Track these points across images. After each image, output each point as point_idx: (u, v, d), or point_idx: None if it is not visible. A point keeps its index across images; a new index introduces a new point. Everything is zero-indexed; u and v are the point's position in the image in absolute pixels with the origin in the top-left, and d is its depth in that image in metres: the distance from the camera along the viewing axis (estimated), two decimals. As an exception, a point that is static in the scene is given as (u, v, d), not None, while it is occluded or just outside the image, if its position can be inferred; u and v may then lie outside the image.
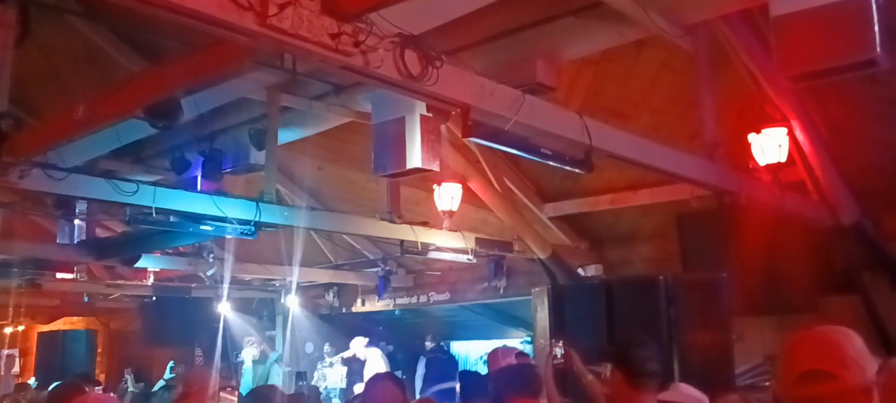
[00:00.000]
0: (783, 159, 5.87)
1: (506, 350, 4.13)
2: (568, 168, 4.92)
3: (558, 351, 4.64)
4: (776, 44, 4.43)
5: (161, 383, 12.09)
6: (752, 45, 5.50)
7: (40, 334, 14.68)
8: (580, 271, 9.39)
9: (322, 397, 12.03)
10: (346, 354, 12.55)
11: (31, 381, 11.85)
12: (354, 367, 12.22)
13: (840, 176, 6.58)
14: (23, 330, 15.63)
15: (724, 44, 5.58)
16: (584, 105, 6.74)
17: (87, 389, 4.38)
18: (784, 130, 5.86)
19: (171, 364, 12.56)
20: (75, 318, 15.47)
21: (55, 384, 5.27)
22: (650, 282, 6.11)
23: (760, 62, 5.49)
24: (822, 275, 6.71)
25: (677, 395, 3.98)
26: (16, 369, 13.53)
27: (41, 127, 5.83)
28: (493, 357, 4.22)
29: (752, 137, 5.90)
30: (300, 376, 12.33)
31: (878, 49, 3.93)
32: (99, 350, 14.77)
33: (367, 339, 12.00)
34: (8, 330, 15.00)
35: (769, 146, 5.84)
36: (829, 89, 5.69)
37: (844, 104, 6.16)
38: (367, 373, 11.46)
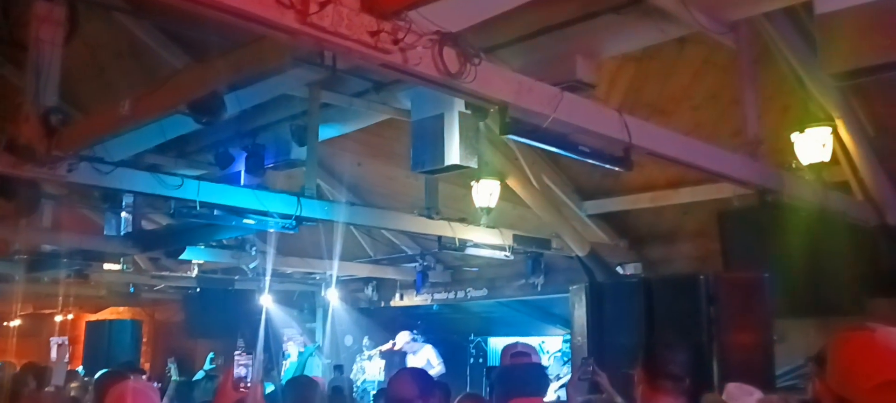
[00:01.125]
0: (827, 158, 5.77)
1: (520, 348, 4.12)
2: (607, 166, 4.89)
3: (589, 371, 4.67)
4: (820, 41, 4.35)
5: (201, 373, 12.31)
6: (795, 42, 5.41)
7: (88, 323, 15.08)
8: (619, 269, 9.32)
9: (360, 390, 12.16)
10: (385, 347, 12.67)
11: (79, 369, 12.16)
12: (394, 360, 12.29)
13: (886, 175, 6.43)
14: (72, 320, 16.09)
15: (768, 41, 5.50)
16: (625, 102, 6.70)
17: (131, 377, 4.50)
18: (828, 129, 5.75)
19: (211, 355, 12.78)
20: (121, 309, 15.87)
21: (101, 372, 5.40)
22: (690, 281, 6.02)
23: (804, 59, 5.40)
24: (866, 276, 6.56)
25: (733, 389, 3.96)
26: (66, 358, 13.90)
27: (88, 121, 5.97)
28: (504, 353, 4.23)
29: (795, 136, 5.80)
30: (338, 368, 12.47)
31: (925, 46, 3.85)
32: (144, 340, 15.12)
33: (411, 333, 12.06)
34: (58, 319, 15.45)
35: (812, 145, 5.74)
36: (875, 87, 5.58)
37: (890, 102, 6.03)
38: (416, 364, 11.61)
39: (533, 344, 4.21)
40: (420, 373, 4.05)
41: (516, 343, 4.11)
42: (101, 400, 3.86)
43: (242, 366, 3.31)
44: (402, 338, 11.91)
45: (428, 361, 11.85)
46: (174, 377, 12.83)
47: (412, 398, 3.68)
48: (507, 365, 4.00)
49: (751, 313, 5.77)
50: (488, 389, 7.32)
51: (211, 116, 4.98)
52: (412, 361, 11.65)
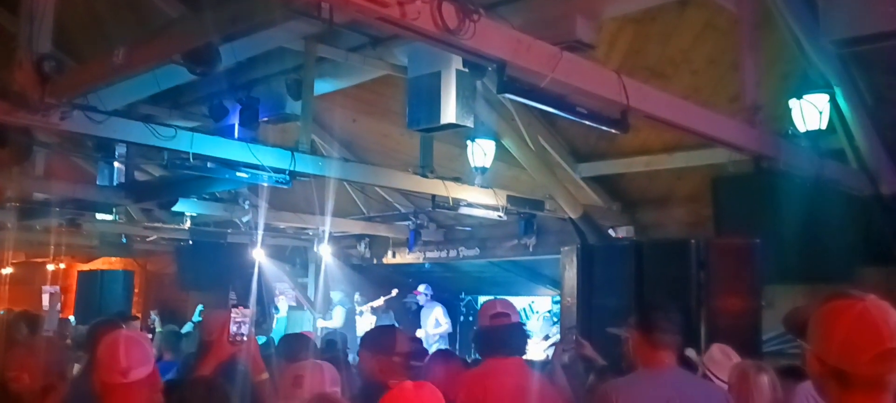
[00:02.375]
0: (824, 126, 5.76)
1: (499, 308, 4.08)
2: (604, 128, 4.87)
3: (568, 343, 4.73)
4: (822, 7, 4.33)
5: (189, 326, 12.33)
6: (797, 8, 5.37)
7: (80, 273, 15.09)
8: (611, 232, 9.35)
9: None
10: (375, 304, 12.78)
11: (71, 318, 12.20)
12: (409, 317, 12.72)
13: (882, 145, 6.43)
14: (64, 269, 16.11)
15: (770, 5, 5.45)
16: (624, 64, 6.66)
17: (123, 326, 4.51)
18: (826, 96, 5.73)
19: (200, 307, 12.82)
20: (113, 259, 15.89)
21: (94, 320, 5.41)
22: (681, 245, 6.05)
23: (806, 25, 5.36)
24: (858, 245, 6.60)
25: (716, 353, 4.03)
26: (58, 306, 13.91)
27: (81, 70, 5.90)
28: (481, 311, 4.20)
29: (793, 102, 5.78)
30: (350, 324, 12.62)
31: (929, 15, 3.83)
32: (136, 291, 15.15)
33: (427, 289, 12.42)
34: (50, 268, 15.47)
35: (810, 112, 5.73)
36: (875, 56, 5.55)
37: (890, 72, 6.00)
38: (425, 321, 12.10)
39: (512, 303, 4.19)
40: (392, 330, 4.14)
41: (495, 302, 4.11)
42: (93, 348, 3.88)
43: (239, 321, 3.33)
44: (422, 291, 12.35)
45: (436, 320, 12.07)
46: (158, 328, 12.87)
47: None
48: (487, 326, 4.01)
49: (740, 279, 5.81)
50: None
51: (205, 67, 4.93)
52: (424, 314, 12.21)
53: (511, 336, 4.01)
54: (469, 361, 5.28)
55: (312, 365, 3.25)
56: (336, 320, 12.52)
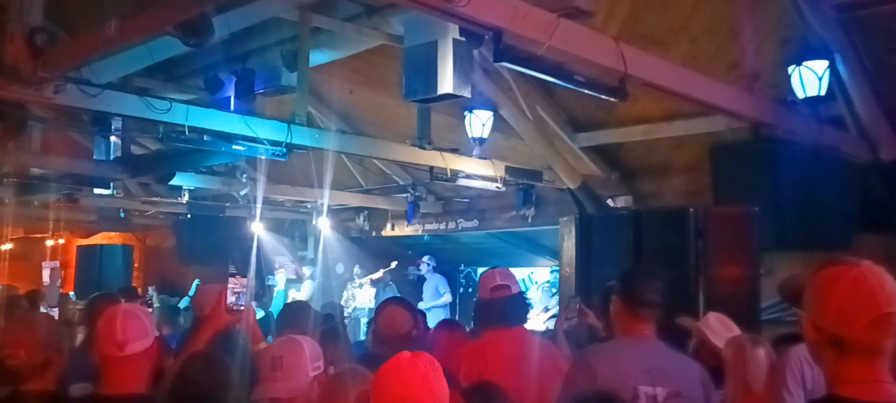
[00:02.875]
0: (823, 92, 5.73)
1: (491, 274, 4.07)
2: (602, 96, 4.84)
3: (571, 312, 4.72)
4: (823, -29, 4.28)
5: (186, 300, 12.35)
6: (797, -27, 5.32)
7: (79, 248, 15.10)
8: (610, 202, 9.34)
9: (351, 317, 12.33)
10: (375, 276, 12.82)
11: (71, 295, 12.22)
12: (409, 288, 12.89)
13: (881, 111, 6.40)
14: (63, 244, 16.11)
15: (769, -30, 5.41)
16: (622, 31, 6.61)
17: (122, 300, 4.51)
18: (826, 62, 5.70)
19: (197, 282, 12.85)
20: (112, 234, 15.88)
21: (93, 295, 5.42)
22: (679, 214, 6.04)
23: (806, -10, 5.32)
24: (856, 212, 6.59)
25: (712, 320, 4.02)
26: (59, 282, 13.96)
27: (75, 42, 5.85)
28: (481, 281, 4.19)
29: (792, 69, 5.75)
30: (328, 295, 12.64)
31: (930, -22, 3.79)
32: (135, 266, 15.17)
33: (429, 259, 12.63)
34: (49, 244, 15.47)
35: (810, 78, 5.70)
36: (875, 20, 5.51)
37: (890, 37, 5.96)
38: (426, 292, 12.36)
39: (512, 273, 4.18)
40: (406, 303, 4.09)
41: (494, 273, 4.11)
42: (92, 322, 3.88)
43: (236, 291, 3.32)
44: (425, 261, 12.55)
45: (437, 289, 12.16)
46: (156, 303, 12.90)
47: (408, 330, 3.74)
48: (487, 299, 4.02)
49: (738, 247, 5.81)
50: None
51: (199, 38, 4.87)
52: (426, 284, 12.45)
53: (511, 307, 4.02)
54: (471, 331, 5.30)
55: (290, 343, 2.95)
56: (303, 293, 12.60)
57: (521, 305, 4.14)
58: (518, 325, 4.03)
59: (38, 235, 15.87)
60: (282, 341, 3.08)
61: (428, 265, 12.57)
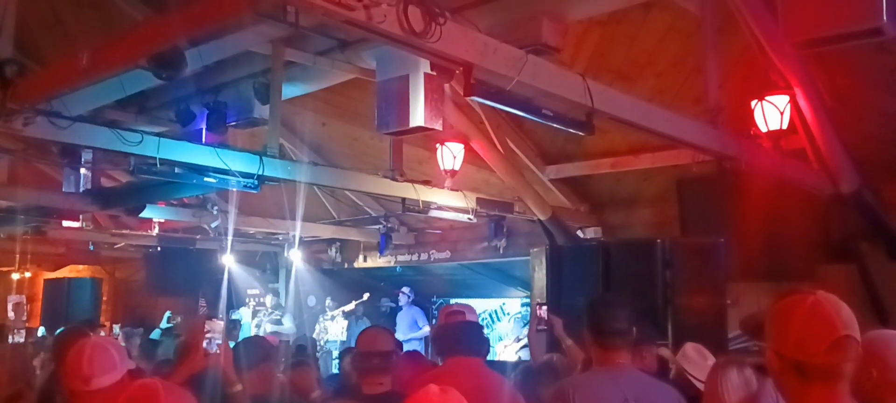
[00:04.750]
0: (785, 126, 5.87)
1: (450, 308, 4.17)
2: (569, 130, 4.93)
3: (543, 316, 4.76)
4: (783, 9, 4.42)
5: (157, 332, 12.19)
6: (758, 10, 5.46)
7: (46, 281, 14.84)
8: (579, 233, 9.44)
9: (323, 350, 12.26)
10: (347, 308, 12.77)
11: (40, 331, 12.00)
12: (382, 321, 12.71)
13: (841, 145, 6.56)
14: (29, 277, 15.81)
15: (731, 8, 5.54)
16: (590, 66, 6.74)
17: (90, 333, 4.47)
18: (787, 97, 5.84)
19: (167, 314, 12.71)
20: (81, 267, 15.64)
21: (60, 329, 5.35)
22: (647, 245, 6.15)
23: (766, 27, 5.45)
24: (819, 244, 6.75)
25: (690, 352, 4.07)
26: (24, 316, 13.71)
27: (45, 74, 5.84)
28: (440, 314, 4.28)
29: (754, 104, 5.89)
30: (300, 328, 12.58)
31: (885, 17, 3.93)
32: (104, 299, 14.93)
33: (408, 290, 12.63)
34: (15, 277, 15.18)
35: (771, 113, 5.83)
36: (835, 57, 5.68)
37: (849, 72, 6.14)
38: (401, 324, 12.33)
39: (472, 307, 4.27)
40: (386, 329, 4.14)
41: (451, 305, 4.22)
42: (60, 356, 3.84)
43: (209, 337, 3.33)
44: (405, 292, 12.58)
45: (415, 321, 12.11)
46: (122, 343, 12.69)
47: (390, 349, 3.76)
48: (443, 325, 4.07)
49: (706, 277, 5.92)
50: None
51: (171, 71, 4.91)
52: (401, 315, 12.44)
53: (467, 333, 4.05)
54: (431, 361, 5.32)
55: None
56: (285, 327, 12.50)
57: (478, 334, 4.15)
58: (477, 356, 4.01)
59: (3, 268, 15.59)
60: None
61: (407, 297, 12.53)
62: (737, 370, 3.41)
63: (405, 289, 12.59)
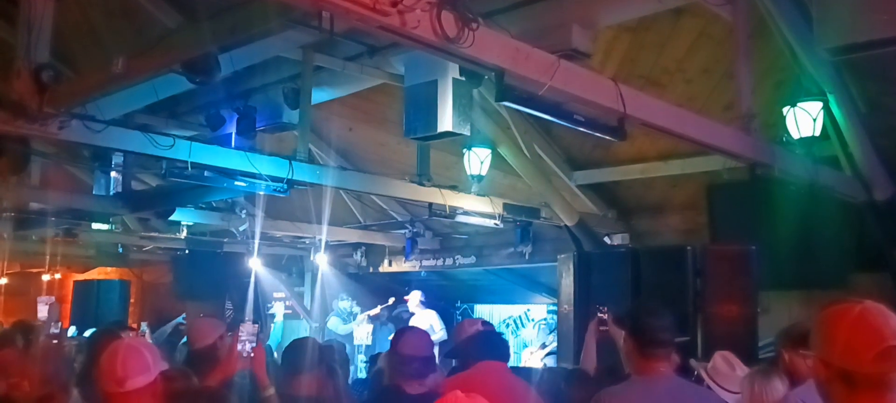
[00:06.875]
0: (817, 133, 5.81)
1: (471, 321, 4.39)
2: (601, 135, 4.91)
3: (603, 317, 4.72)
4: (816, 15, 4.37)
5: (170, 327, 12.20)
6: (791, 16, 5.41)
7: (76, 283, 15.05)
8: (607, 240, 9.38)
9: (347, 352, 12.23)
10: (373, 312, 12.72)
11: (72, 331, 12.13)
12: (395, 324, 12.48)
13: (875, 151, 6.47)
14: (59, 279, 16.05)
15: (764, 14, 5.50)
16: (619, 72, 6.70)
17: (122, 335, 4.53)
18: (820, 104, 5.78)
19: (183, 316, 12.73)
20: (109, 269, 15.82)
21: (93, 330, 5.42)
22: (678, 252, 6.09)
23: (799, 33, 5.41)
24: (852, 251, 6.64)
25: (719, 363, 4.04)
26: (57, 316, 13.85)
27: (80, 79, 5.93)
28: (459, 328, 4.49)
29: (787, 110, 5.83)
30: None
31: (920, 23, 3.88)
32: (132, 301, 15.11)
33: (421, 295, 12.04)
34: (45, 278, 15.41)
35: (804, 119, 5.78)
36: (868, 63, 5.60)
37: (882, 79, 6.06)
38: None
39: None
40: (427, 334, 4.25)
41: (468, 320, 4.40)
42: (93, 357, 3.89)
43: (244, 339, 3.37)
44: (415, 297, 11.95)
45: (431, 326, 11.95)
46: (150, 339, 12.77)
47: (429, 355, 3.87)
48: (470, 336, 4.29)
49: (736, 285, 5.85)
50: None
51: (205, 76, 4.95)
52: (415, 321, 11.63)
53: (493, 340, 4.32)
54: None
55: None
56: (361, 334, 12.30)
57: (501, 340, 4.40)
58: (502, 360, 4.17)
59: (34, 270, 15.82)
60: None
61: (422, 302, 11.96)
62: (779, 379, 3.38)
63: (414, 293, 11.94)
